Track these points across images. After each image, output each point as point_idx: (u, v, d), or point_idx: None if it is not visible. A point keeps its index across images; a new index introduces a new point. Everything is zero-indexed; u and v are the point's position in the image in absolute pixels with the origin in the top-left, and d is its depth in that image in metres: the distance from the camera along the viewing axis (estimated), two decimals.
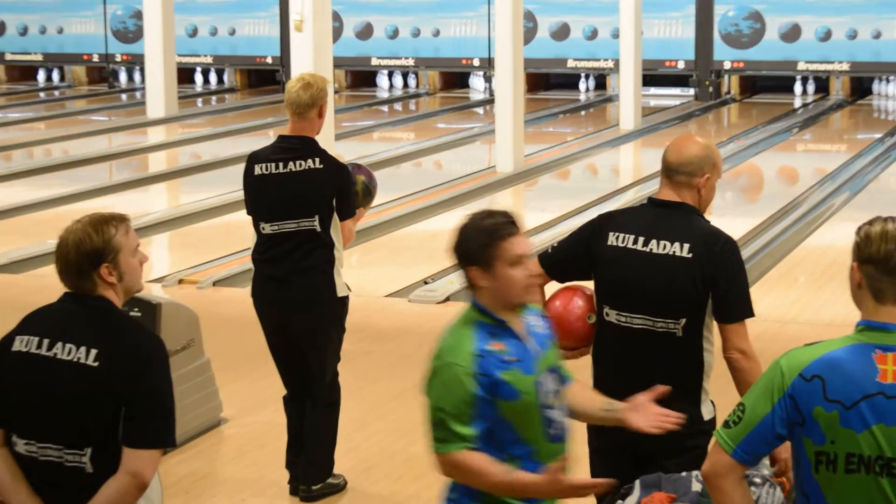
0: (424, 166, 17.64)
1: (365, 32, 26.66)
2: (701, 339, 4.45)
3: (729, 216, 13.16)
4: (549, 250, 4.68)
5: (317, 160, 6.27)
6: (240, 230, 13.05)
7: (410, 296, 10.22)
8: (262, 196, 6.36)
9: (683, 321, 4.41)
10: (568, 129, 21.55)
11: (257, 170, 6.36)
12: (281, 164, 6.29)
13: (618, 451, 4.50)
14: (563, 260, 4.65)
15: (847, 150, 18.75)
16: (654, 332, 4.44)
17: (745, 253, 11.53)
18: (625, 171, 17.74)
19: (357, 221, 6.48)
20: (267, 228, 6.35)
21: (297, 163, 6.27)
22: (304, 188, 6.26)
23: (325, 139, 12.14)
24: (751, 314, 4.47)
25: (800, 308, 9.88)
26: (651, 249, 4.45)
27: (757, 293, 10.19)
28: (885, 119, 22.98)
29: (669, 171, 4.53)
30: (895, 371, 3.26)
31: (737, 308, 4.43)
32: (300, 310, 6.31)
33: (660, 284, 4.42)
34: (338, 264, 6.36)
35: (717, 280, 4.39)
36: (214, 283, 10.70)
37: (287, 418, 6.54)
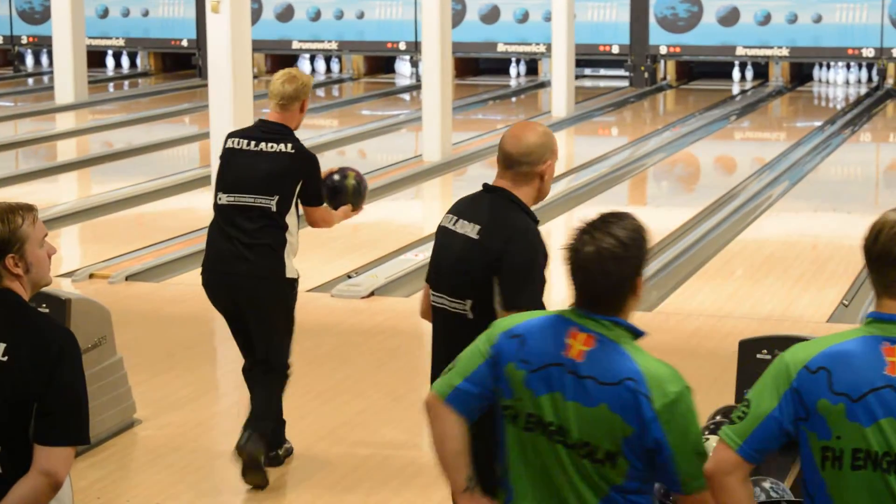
0: (348, 155, 17.63)
1: (285, 14, 26.59)
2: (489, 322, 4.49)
3: (665, 207, 13.28)
4: (430, 269, 4.85)
5: (289, 146, 6.62)
6: (154, 222, 13.00)
7: (333, 290, 10.23)
8: (227, 169, 6.69)
9: (470, 302, 4.61)
10: (498, 117, 21.63)
11: (229, 143, 6.76)
12: (253, 143, 6.66)
13: None
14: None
15: (786, 139, 18.95)
16: (451, 313, 4.67)
17: (681, 245, 11.69)
18: (558, 160, 17.80)
19: (342, 217, 6.89)
20: (223, 199, 6.64)
21: (269, 145, 6.63)
22: (269, 167, 6.57)
23: (244, 126, 12.13)
24: (534, 306, 4.41)
25: (737, 302, 9.98)
26: (456, 230, 4.68)
27: (693, 287, 10.35)
28: (826, 106, 23.24)
29: (511, 162, 4.63)
30: None
31: (514, 304, 4.44)
32: (246, 284, 6.58)
33: (453, 265, 4.66)
34: (289, 248, 6.65)
35: (501, 266, 4.53)
36: (127, 278, 10.65)
37: (248, 388, 6.81)
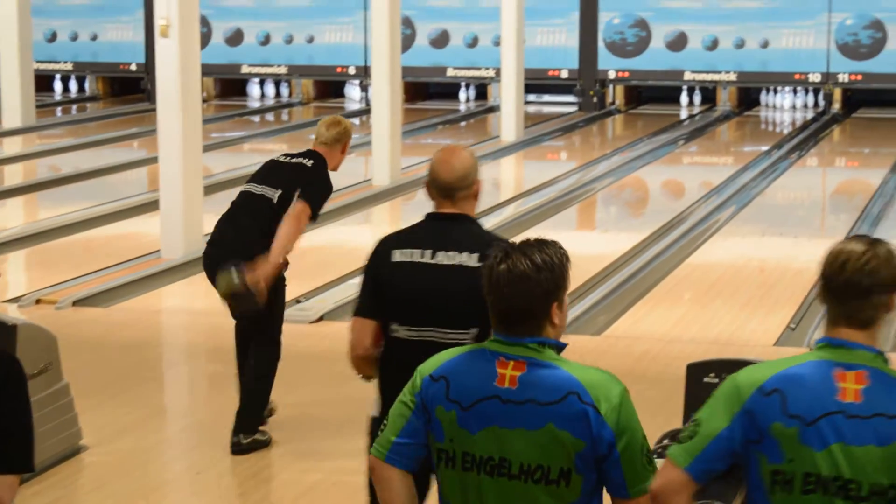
0: None
1: (235, 38, 26.56)
2: None
3: (613, 231, 13.34)
4: (360, 303, 4.84)
5: (310, 162, 7.50)
6: (101, 247, 12.94)
7: None
8: (255, 174, 7.75)
9: (475, 331, 4.59)
10: (447, 141, 21.65)
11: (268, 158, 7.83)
12: (283, 157, 7.67)
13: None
14: (375, 302, 4.78)
15: (734, 163, 19.06)
16: (445, 345, 4.47)
17: (629, 269, 11.73)
18: (506, 185, 17.87)
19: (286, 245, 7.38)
20: (242, 188, 7.73)
21: (295, 158, 7.58)
22: (283, 171, 7.52)
23: (193, 152, 12.10)
24: None
25: (685, 325, 10.03)
26: (439, 261, 4.64)
27: (641, 311, 10.39)
28: (773, 131, 23.41)
29: (450, 191, 4.70)
30: (855, 390, 3.31)
31: None
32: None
33: (451, 295, 4.61)
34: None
35: None
36: (74, 304, 10.59)
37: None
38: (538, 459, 3.45)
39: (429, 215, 4.78)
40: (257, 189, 7.55)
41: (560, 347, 3.56)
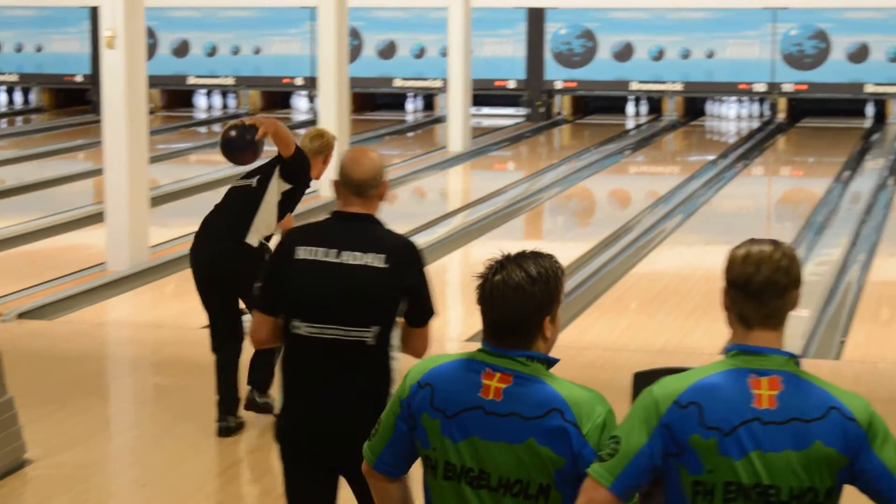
0: None
1: (181, 50, 26.47)
2: (389, 347, 4.75)
3: (560, 241, 13.36)
4: (260, 297, 4.86)
5: (299, 152, 7.92)
6: (47, 259, 12.84)
7: None
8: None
9: (376, 329, 4.70)
10: (395, 151, 21.65)
11: None
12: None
13: (308, 466, 4.80)
14: (275, 298, 4.81)
15: (680, 172, 19.15)
16: (346, 342, 4.70)
17: (576, 279, 11.75)
18: (453, 195, 17.88)
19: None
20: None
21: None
22: (263, 165, 7.95)
23: (139, 164, 12.03)
24: (435, 313, 4.86)
25: (631, 334, 10.05)
26: (344, 260, 4.71)
27: (588, 320, 10.40)
28: (718, 140, 23.53)
29: (361, 188, 4.80)
30: (770, 396, 3.32)
31: (427, 312, 4.82)
32: (221, 257, 7.71)
33: (354, 294, 4.69)
34: (264, 228, 7.75)
35: (412, 287, 4.74)
36: (19, 316, 10.50)
37: (216, 365, 7.85)
38: (518, 473, 3.44)
39: (335, 213, 4.84)
40: (238, 183, 7.94)
41: (550, 363, 3.55)
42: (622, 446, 3.37)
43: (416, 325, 4.83)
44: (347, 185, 4.82)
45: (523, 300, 3.49)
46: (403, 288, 4.73)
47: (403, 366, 4.12)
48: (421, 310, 4.81)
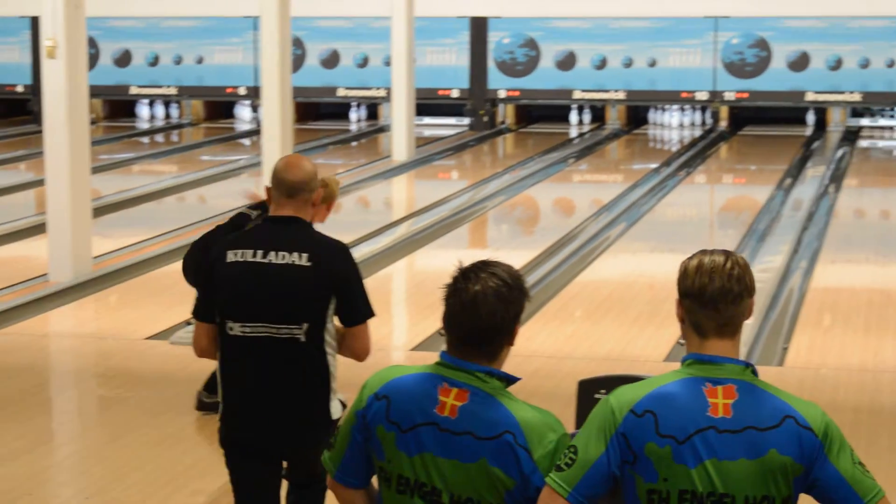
0: (188, 201, 17.49)
1: (123, 59, 26.33)
2: (323, 343, 4.92)
3: (505, 249, 13.38)
4: (196, 306, 5.05)
5: None
6: None
7: (172, 338, 10.10)
8: None
9: (306, 326, 4.87)
10: (338, 161, 21.62)
11: None
12: None
13: (250, 455, 4.98)
14: (209, 305, 4.98)
15: (623, 181, 19.22)
16: (278, 339, 4.88)
17: None
18: (398, 204, 17.88)
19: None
20: None
21: None
22: None
23: (81, 174, 11.95)
24: (372, 314, 5.03)
25: (576, 343, 10.08)
26: (270, 260, 4.89)
27: (532, 328, 10.42)
28: (661, 149, 23.64)
29: (293, 191, 4.98)
30: (725, 404, 3.34)
31: (359, 311, 4.98)
32: None
33: (282, 292, 4.87)
34: None
35: (339, 285, 4.91)
36: None
37: None
38: (469, 492, 3.45)
39: (265, 219, 5.06)
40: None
41: (510, 381, 3.55)
42: (580, 455, 3.38)
43: (349, 324, 4.99)
44: (279, 187, 4.99)
45: (505, 307, 3.51)
46: (330, 285, 4.88)
47: (360, 373, 4.11)
48: (352, 308, 4.95)
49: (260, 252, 4.91)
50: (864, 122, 24.86)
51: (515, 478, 3.42)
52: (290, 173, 4.99)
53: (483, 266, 3.55)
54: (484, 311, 3.49)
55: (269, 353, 4.87)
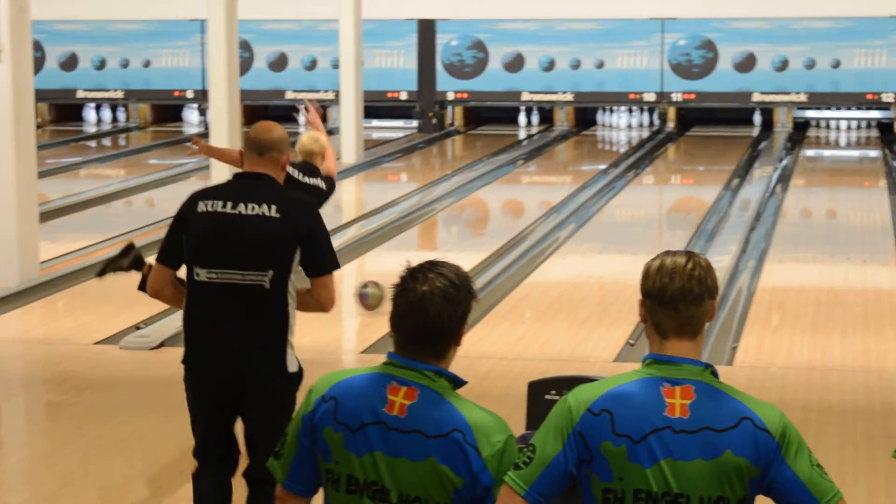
0: (136, 205, 17.40)
1: (69, 63, 26.17)
2: (286, 293, 5.25)
3: (454, 251, 13.38)
4: (160, 251, 5.44)
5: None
6: None
7: (121, 342, 10.05)
8: None
9: (272, 273, 5.21)
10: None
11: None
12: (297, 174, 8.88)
13: (209, 405, 5.36)
14: (176, 249, 5.39)
15: (572, 182, 19.27)
16: (244, 286, 5.23)
17: None
18: (347, 207, 17.84)
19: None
20: None
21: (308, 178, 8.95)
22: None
23: (27, 179, 11.87)
24: (337, 266, 5.40)
25: (526, 344, 10.09)
26: (240, 211, 5.27)
27: (482, 330, 10.42)
28: (610, 150, 23.72)
29: (262, 149, 5.38)
30: (682, 405, 3.35)
31: (324, 262, 5.33)
32: None
33: (249, 240, 5.23)
34: None
35: (305, 236, 5.25)
36: None
37: None
38: (418, 491, 3.45)
39: (236, 174, 5.45)
40: None
41: (458, 383, 3.56)
42: (537, 454, 3.39)
43: (313, 274, 5.32)
44: (250, 146, 5.39)
45: (452, 307, 3.52)
46: (296, 236, 5.22)
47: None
48: (317, 259, 5.29)
49: (230, 203, 5.26)
50: (811, 113, 24.96)
51: (464, 476, 3.43)
52: (262, 133, 5.40)
53: (431, 266, 3.57)
54: (431, 311, 3.50)
55: (233, 299, 5.21)
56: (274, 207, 5.24)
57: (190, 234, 5.29)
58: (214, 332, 5.25)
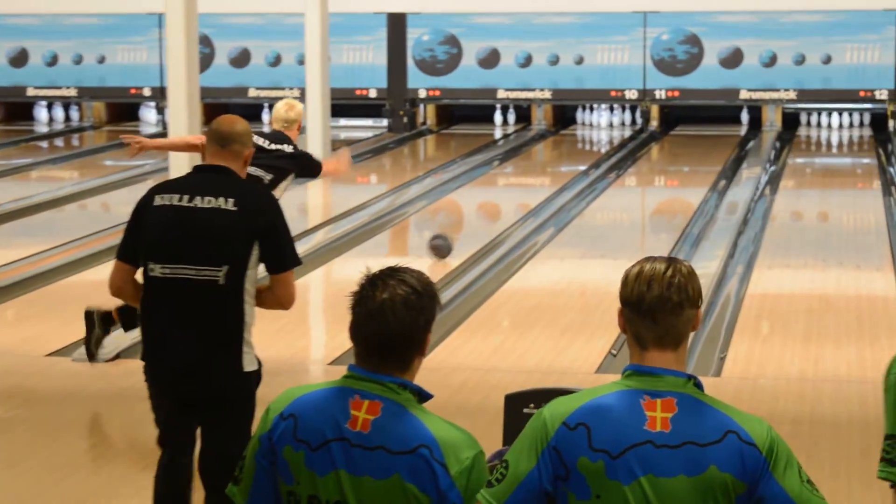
0: (91, 208, 17.35)
1: (19, 59, 26.09)
2: (242, 290, 5.38)
3: (427, 257, 13.36)
4: (119, 247, 5.59)
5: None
6: None
7: (74, 354, 9.99)
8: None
9: (226, 269, 5.33)
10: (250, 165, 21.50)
11: None
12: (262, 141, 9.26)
13: (167, 399, 5.55)
14: (135, 245, 5.53)
15: (551, 184, 19.29)
16: (197, 282, 5.35)
17: (445, 296, 11.75)
18: (314, 210, 17.82)
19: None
20: None
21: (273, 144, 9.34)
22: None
23: None
24: (298, 263, 5.52)
25: (503, 354, 10.08)
26: (195, 204, 5.39)
27: (457, 340, 10.41)
28: (590, 150, 23.75)
29: (224, 141, 5.54)
30: (664, 418, 3.33)
31: (284, 259, 5.45)
32: None
33: (204, 235, 5.35)
34: None
35: (263, 231, 5.38)
36: None
37: None
38: None
39: (195, 167, 5.62)
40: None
41: (424, 397, 3.55)
42: (511, 470, 3.38)
43: (273, 271, 5.45)
44: (212, 138, 5.55)
45: (414, 315, 3.50)
46: (254, 231, 5.34)
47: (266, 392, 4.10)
48: (276, 255, 5.42)
49: (186, 196, 5.38)
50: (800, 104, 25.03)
51: (431, 495, 3.42)
52: (225, 125, 5.59)
53: (391, 273, 3.55)
54: (392, 320, 3.49)
55: (187, 295, 5.34)
56: (231, 201, 5.35)
57: (146, 229, 5.42)
58: (169, 329, 5.39)
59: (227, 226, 5.32)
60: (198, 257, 5.32)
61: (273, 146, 9.26)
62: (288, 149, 9.31)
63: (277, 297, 5.48)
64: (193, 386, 5.41)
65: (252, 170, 8.87)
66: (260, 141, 9.16)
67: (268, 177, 9.17)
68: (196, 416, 5.53)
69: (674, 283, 3.42)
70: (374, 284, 3.52)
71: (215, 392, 5.43)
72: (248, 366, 5.42)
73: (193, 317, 5.34)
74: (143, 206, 5.48)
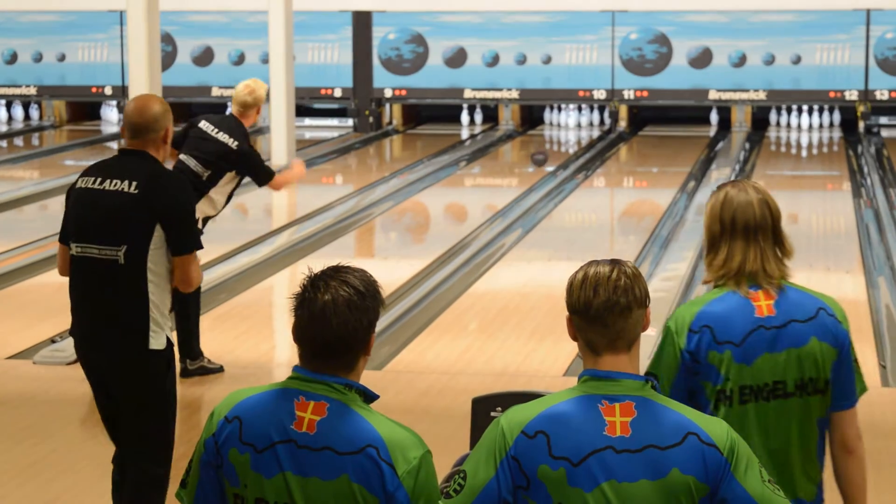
0: (50, 209, 17.28)
1: None
2: (145, 269, 5.76)
3: (394, 258, 13.38)
4: (61, 227, 6.01)
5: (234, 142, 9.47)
6: None
7: (35, 357, 9.99)
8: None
9: (125, 248, 5.73)
10: None
11: None
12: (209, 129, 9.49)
13: (90, 380, 5.97)
14: (64, 228, 6.00)
15: (518, 185, 19.31)
16: (100, 260, 5.79)
17: (411, 299, 11.78)
18: (278, 212, 17.81)
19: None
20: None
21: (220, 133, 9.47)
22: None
23: None
24: (200, 247, 5.91)
25: (471, 357, 10.10)
26: (105, 187, 5.80)
27: (424, 343, 10.43)
28: (558, 150, 23.78)
29: (138, 132, 5.86)
30: (623, 423, 3.35)
31: (185, 241, 5.82)
32: None
33: (106, 216, 5.76)
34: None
35: (163, 213, 5.75)
36: None
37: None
38: None
39: (119, 150, 5.98)
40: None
41: (370, 397, 3.54)
42: (469, 481, 3.39)
43: (175, 252, 5.80)
44: (127, 127, 5.89)
45: (358, 316, 3.50)
46: (154, 212, 5.73)
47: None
48: (177, 237, 5.77)
49: (99, 179, 5.84)
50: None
51: (378, 495, 3.42)
52: (135, 116, 5.86)
53: (334, 273, 3.55)
54: (335, 321, 3.49)
55: (93, 273, 5.79)
56: (135, 184, 5.75)
57: (68, 210, 5.96)
58: (83, 305, 5.87)
59: (125, 207, 5.73)
60: (100, 237, 5.77)
61: (218, 135, 9.29)
62: (233, 144, 9.31)
63: (178, 278, 5.84)
64: (100, 363, 5.83)
65: (192, 164, 9.26)
66: (204, 126, 9.29)
67: (206, 173, 9.26)
68: (116, 402, 5.87)
69: (619, 285, 3.44)
70: (315, 286, 3.52)
71: (121, 369, 5.79)
72: (155, 344, 5.78)
73: (100, 294, 5.78)
74: (70, 188, 5.98)
